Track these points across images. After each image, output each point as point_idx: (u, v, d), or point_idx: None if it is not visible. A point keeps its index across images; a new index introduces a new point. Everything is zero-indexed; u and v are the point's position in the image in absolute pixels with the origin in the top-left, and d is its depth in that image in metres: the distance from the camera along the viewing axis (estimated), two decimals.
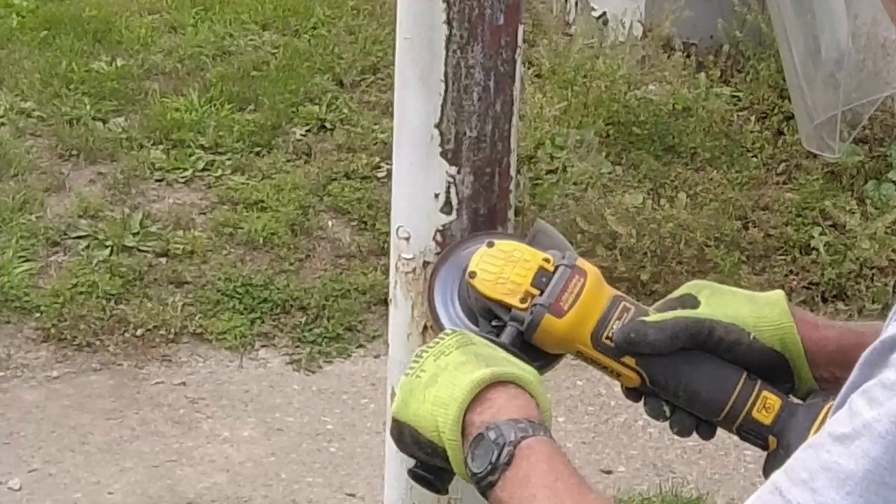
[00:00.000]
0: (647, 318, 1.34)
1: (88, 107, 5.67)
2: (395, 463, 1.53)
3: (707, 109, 5.49)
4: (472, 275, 1.35)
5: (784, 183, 5.31)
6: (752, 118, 5.61)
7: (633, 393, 1.38)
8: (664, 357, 1.33)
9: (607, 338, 1.34)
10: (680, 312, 1.35)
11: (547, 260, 1.35)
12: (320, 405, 4.20)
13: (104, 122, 5.62)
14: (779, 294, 1.39)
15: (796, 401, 1.36)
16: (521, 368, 1.28)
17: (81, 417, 4.07)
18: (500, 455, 1.20)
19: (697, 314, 1.35)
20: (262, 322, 4.53)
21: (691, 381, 1.33)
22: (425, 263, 1.45)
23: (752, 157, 5.42)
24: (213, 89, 5.83)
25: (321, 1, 6.72)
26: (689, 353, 1.33)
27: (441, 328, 1.39)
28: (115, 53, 6.16)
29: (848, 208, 4.87)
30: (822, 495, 0.99)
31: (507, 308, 1.34)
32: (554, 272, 1.34)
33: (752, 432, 1.34)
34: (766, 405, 1.34)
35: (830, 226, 4.89)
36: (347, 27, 6.47)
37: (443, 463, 1.28)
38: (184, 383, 4.25)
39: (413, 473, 1.33)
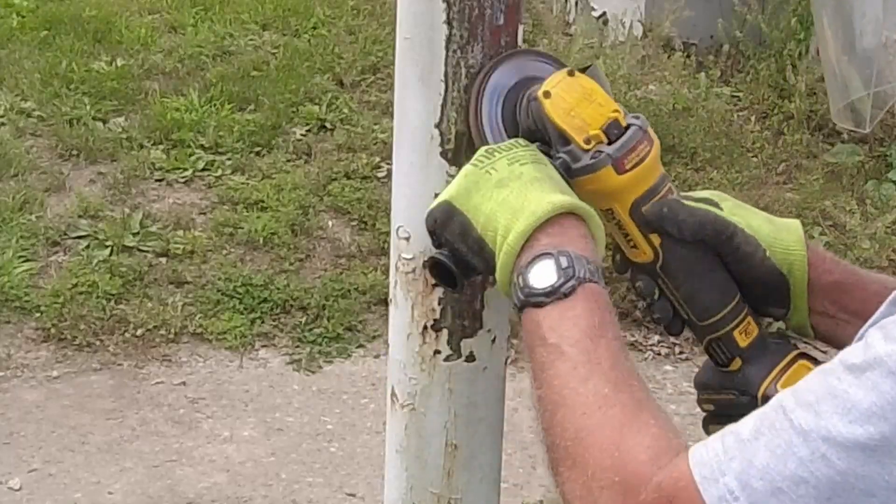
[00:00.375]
0: (682, 201, 1.34)
1: (88, 107, 5.67)
2: (395, 463, 1.53)
3: (707, 109, 5.50)
4: (547, 94, 1.32)
5: (784, 183, 5.31)
6: (752, 118, 5.62)
7: (625, 266, 1.38)
8: (687, 247, 1.34)
9: (647, 209, 1.34)
10: (711, 207, 1.35)
11: (617, 111, 1.32)
12: (320, 405, 4.20)
13: (104, 122, 5.63)
14: (797, 222, 1.40)
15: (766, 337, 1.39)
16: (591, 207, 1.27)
17: (81, 417, 4.07)
18: (563, 283, 1.18)
19: (725, 215, 1.35)
20: (262, 322, 4.53)
21: (699, 279, 1.35)
22: (425, 264, 1.44)
23: (752, 157, 5.42)
24: (213, 89, 5.84)
25: (321, 1, 6.73)
26: (707, 253, 1.35)
27: (482, 137, 1.35)
28: (115, 53, 6.16)
29: (848, 208, 4.87)
30: (825, 420, 1.01)
31: (567, 141, 1.31)
32: (626, 129, 1.32)
33: (723, 348, 1.37)
34: (747, 330, 1.37)
35: (830, 226, 4.89)
36: (347, 27, 6.48)
37: (478, 262, 1.26)
38: (184, 383, 4.25)
39: (435, 261, 1.30)
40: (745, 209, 1.39)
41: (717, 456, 1.04)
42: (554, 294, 1.18)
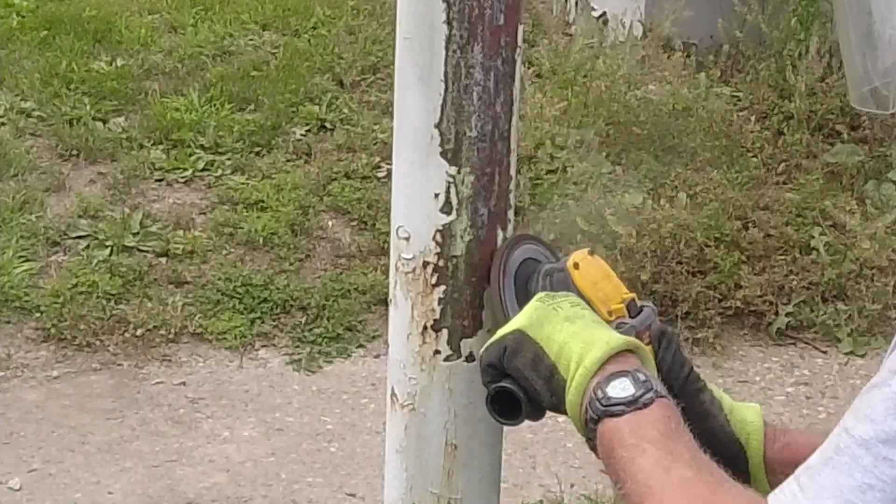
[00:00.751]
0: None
1: (88, 107, 5.67)
2: (395, 463, 1.53)
3: (707, 109, 5.49)
4: (576, 266, 1.45)
5: (784, 183, 5.31)
6: (752, 118, 5.61)
7: None
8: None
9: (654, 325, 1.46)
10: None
11: (629, 293, 1.47)
12: (320, 405, 4.20)
13: (104, 122, 5.62)
14: (756, 405, 1.48)
15: None
16: None
17: (81, 417, 4.07)
18: (643, 395, 1.25)
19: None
20: (262, 322, 4.52)
21: None
22: (425, 263, 1.44)
23: (752, 157, 5.42)
24: (213, 89, 5.83)
25: (321, 1, 6.73)
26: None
27: (504, 308, 1.44)
28: (115, 53, 6.16)
29: (848, 208, 4.86)
30: (881, 425, 1.03)
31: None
32: (641, 309, 1.46)
33: None
34: None
35: (830, 226, 4.89)
36: (347, 27, 6.47)
37: (544, 390, 1.32)
38: (184, 383, 4.25)
39: (500, 390, 1.35)
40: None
41: (794, 495, 1.08)
42: (634, 403, 1.25)
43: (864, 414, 1.05)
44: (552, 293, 1.40)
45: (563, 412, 1.32)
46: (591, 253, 1.47)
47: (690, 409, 1.38)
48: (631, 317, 1.44)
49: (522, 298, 1.45)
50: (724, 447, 1.40)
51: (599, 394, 1.26)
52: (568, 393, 1.30)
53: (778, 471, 1.41)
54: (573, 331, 1.33)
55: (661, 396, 1.26)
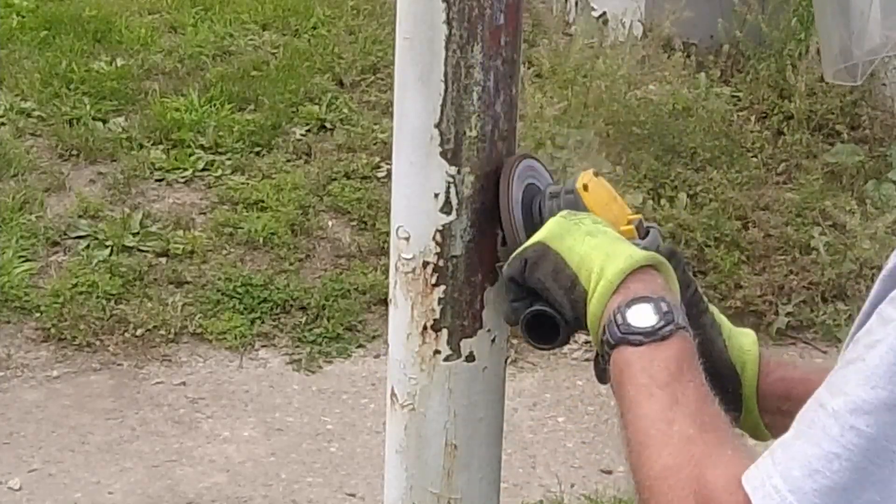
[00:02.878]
0: None
1: (88, 107, 5.67)
2: (395, 463, 1.53)
3: (707, 109, 5.49)
4: (585, 188, 1.43)
5: (784, 183, 5.31)
6: (752, 118, 5.62)
7: None
8: None
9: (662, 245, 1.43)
10: None
11: (633, 214, 1.46)
12: (320, 405, 4.20)
13: (104, 122, 5.63)
14: (752, 331, 1.48)
15: None
16: None
17: (81, 417, 4.07)
18: (663, 327, 1.23)
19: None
20: (262, 322, 4.53)
21: None
22: (425, 263, 1.44)
23: (752, 157, 5.42)
24: (213, 89, 5.84)
25: (321, 1, 6.73)
26: None
27: (514, 234, 1.41)
28: (115, 53, 6.16)
29: (848, 208, 4.87)
30: (852, 396, 1.03)
31: None
32: (648, 230, 1.45)
33: None
34: None
35: (830, 226, 4.89)
36: (347, 27, 6.48)
37: (565, 302, 1.30)
38: (184, 383, 4.25)
39: (535, 314, 1.33)
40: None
41: (766, 469, 1.08)
42: (653, 335, 1.23)
43: (839, 388, 1.05)
44: (572, 211, 1.38)
45: (584, 327, 1.31)
46: (597, 174, 1.45)
47: (693, 331, 1.36)
48: (640, 238, 1.43)
49: (528, 221, 1.43)
50: (720, 372, 1.39)
51: (619, 319, 1.24)
52: (589, 304, 1.28)
53: (769, 402, 1.41)
54: (595, 244, 1.32)
55: (682, 328, 1.24)
